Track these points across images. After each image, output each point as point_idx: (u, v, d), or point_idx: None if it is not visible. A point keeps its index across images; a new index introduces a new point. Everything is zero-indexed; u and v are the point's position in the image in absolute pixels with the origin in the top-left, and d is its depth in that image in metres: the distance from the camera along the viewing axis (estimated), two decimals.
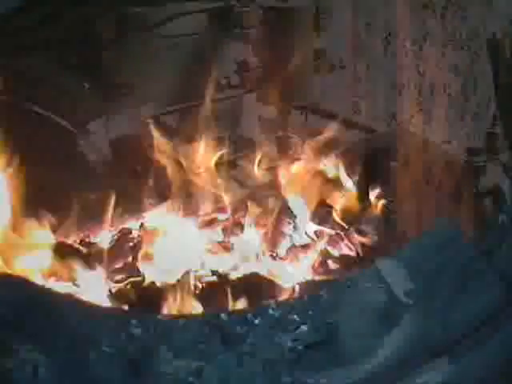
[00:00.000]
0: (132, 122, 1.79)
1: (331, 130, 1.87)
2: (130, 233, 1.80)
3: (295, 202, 1.77)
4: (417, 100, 2.37)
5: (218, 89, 1.90)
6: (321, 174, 1.81)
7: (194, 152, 1.86)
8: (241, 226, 1.77)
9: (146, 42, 1.85)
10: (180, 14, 1.87)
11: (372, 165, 1.76)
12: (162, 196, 1.82)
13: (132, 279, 1.62)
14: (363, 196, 1.78)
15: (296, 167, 1.88)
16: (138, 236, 1.78)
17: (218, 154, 1.90)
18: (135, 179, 1.78)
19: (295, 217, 1.75)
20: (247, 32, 1.86)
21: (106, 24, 1.68)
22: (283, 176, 1.87)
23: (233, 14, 1.90)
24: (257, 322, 1.32)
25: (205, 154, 1.88)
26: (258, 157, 1.92)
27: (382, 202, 1.80)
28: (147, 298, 1.52)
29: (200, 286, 1.55)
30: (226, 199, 1.84)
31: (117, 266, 1.69)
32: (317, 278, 1.57)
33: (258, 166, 1.92)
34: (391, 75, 2.37)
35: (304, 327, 1.35)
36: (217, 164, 1.90)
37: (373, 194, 1.82)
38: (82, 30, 1.68)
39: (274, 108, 1.89)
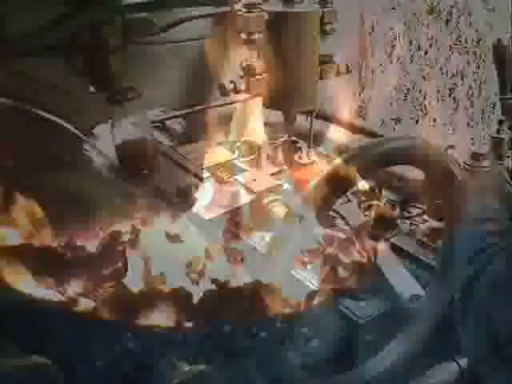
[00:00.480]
0: (138, 126, 1.74)
1: (337, 134, 1.83)
2: (120, 236, 1.67)
3: (303, 205, 1.69)
4: (421, 104, 2.35)
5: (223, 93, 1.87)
6: (329, 177, 1.74)
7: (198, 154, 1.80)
8: (243, 230, 1.68)
9: (151, 46, 1.81)
10: (186, 19, 1.84)
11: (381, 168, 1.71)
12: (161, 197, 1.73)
13: (122, 287, 1.49)
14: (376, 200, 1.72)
15: (303, 171, 1.82)
16: (129, 239, 1.66)
17: (223, 157, 1.84)
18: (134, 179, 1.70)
19: (303, 220, 1.66)
20: (252, 37, 1.82)
21: (112, 28, 1.63)
22: (290, 179, 1.81)
23: (239, 18, 1.87)
24: (262, 335, 1.25)
25: (209, 156, 1.82)
26: (264, 161, 1.86)
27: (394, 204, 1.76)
28: (139, 307, 1.39)
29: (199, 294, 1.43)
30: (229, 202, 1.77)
31: (105, 272, 1.56)
32: (327, 286, 1.47)
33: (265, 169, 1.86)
34: (396, 80, 2.34)
35: (315, 341, 1.29)
36: (221, 167, 1.84)
37: (384, 197, 1.77)
38: (89, 34, 1.64)
39: (280, 113, 1.84)
